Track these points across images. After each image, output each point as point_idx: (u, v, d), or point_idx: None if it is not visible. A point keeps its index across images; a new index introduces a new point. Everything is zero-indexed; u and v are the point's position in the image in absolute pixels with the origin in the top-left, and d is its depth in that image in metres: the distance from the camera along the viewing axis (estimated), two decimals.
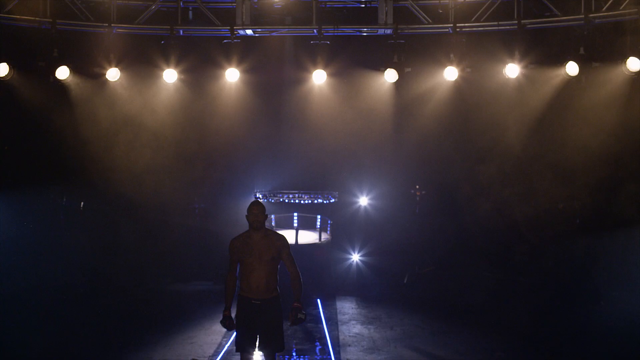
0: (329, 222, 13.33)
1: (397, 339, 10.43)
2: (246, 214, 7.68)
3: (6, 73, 10.20)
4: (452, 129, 13.08)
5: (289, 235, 11.93)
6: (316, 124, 12.97)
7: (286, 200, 13.63)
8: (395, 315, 11.72)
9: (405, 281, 13.82)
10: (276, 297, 7.63)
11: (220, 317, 7.63)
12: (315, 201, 13.53)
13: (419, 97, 12.13)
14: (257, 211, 7.57)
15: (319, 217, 13.33)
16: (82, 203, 13.80)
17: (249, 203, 7.68)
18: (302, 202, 13.54)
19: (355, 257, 13.76)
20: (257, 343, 7.61)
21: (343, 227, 13.83)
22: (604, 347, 9.80)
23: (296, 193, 13.61)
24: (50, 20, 10.61)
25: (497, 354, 9.63)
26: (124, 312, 11.83)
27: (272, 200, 13.48)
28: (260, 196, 13.71)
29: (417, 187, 14.47)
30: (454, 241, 13.90)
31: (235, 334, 7.70)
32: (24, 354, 9.47)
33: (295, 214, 13.45)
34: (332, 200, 13.45)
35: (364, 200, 14.37)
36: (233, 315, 7.65)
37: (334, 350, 9.81)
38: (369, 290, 13.20)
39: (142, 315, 11.74)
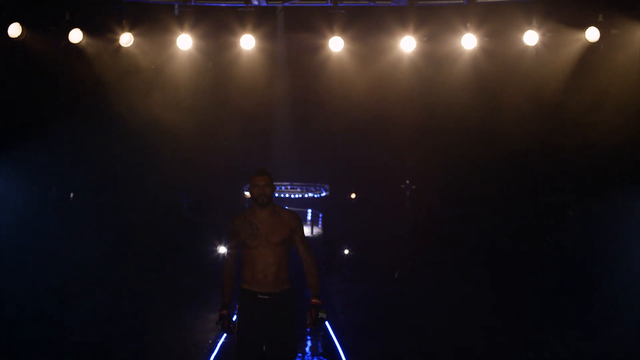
0: (320, 215, 13.18)
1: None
2: (248, 186, 6.25)
3: (19, 34, 10.00)
4: (467, 109, 12.83)
5: None
6: (323, 100, 12.76)
7: (276, 195, 13.46)
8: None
9: (396, 276, 13.89)
10: (288, 291, 6.11)
11: (217, 317, 6.14)
12: (307, 195, 13.40)
13: (436, 67, 11.89)
14: (262, 182, 6.08)
15: (309, 211, 13.19)
16: (71, 194, 13.44)
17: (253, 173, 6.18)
18: (292, 196, 13.39)
19: (345, 251, 13.68)
20: (263, 349, 6.02)
21: (334, 220, 13.76)
22: None
23: (288, 185, 13.48)
24: None
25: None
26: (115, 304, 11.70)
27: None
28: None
29: (407, 182, 14.31)
30: (448, 236, 13.75)
31: (235, 338, 6.08)
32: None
33: (286, 208, 13.29)
34: (324, 194, 13.32)
35: (354, 195, 14.31)
36: (234, 318, 6.18)
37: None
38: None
39: (134, 307, 11.63)
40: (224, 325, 6.07)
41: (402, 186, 14.50)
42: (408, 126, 13.56)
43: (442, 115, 12.76)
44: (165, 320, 10.82)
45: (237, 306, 6.10)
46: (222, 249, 14.37)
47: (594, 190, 12.31)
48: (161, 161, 13.42)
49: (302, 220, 6.40)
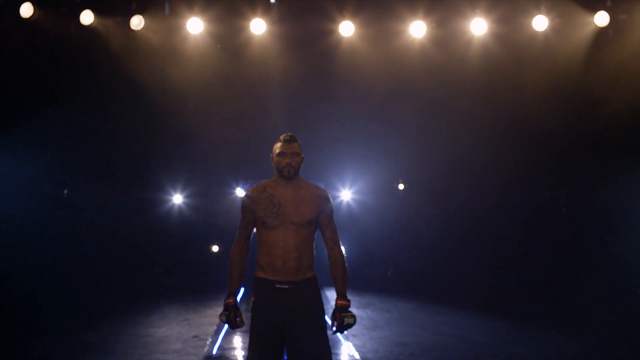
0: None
1: (396, 320, 10.35)
2: (271, 155, 5.25)
3: (31, 13, 9.94)
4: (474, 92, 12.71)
5: None
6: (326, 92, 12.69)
7: None
8: (388, 301, 11.81)
9: (389, 274, 13.82)
10: (312, 280, 5.17)
11: (221, 309, 5.16)
12: None
13: (446, 52, 11.86)
14: (289, 149, 5.14)
15: None
16: (65, 190, 13.23)
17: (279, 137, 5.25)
18: None
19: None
20: (284, 352, 5.03)
21: None
22: None
23: None
24: None
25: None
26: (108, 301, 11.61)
27: None
28: (242, 189, 13.43)
29: (400, 180, 14.24)
30: (440, 233, 13.67)
31: (248, 337, 5.09)
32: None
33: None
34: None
35: (346, 194, 14.23)
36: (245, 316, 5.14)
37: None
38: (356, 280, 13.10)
39: (129, 301, 11.54)
40: (230, 317, 5.06)
41: (394, 185, 14.36)
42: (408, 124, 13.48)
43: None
44: (159, 314, 10.65)
45: (251, 299, 5.14)
46: (215, 248, 14.12)
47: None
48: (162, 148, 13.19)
49: (331, 199, 5.37)
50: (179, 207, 14.07)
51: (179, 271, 13.77)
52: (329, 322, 5.17)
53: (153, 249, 13.53)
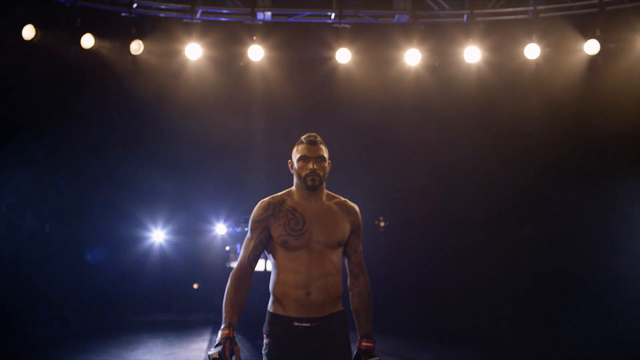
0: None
1: (381, 352, 10.20)
2: (290, 161, 4.40)
3: (33, 35, 10.01)
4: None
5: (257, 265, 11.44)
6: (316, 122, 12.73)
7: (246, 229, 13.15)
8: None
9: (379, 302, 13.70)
10: (340, 315, 4.29)
11: (215, 342, 4.01)
12: None
13: (441, 80, 12.05)
14: (313, 152, 4.27)
15: None
16: (47, 226, 12.69)
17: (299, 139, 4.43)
18: None
19: None
20: None
21: None
22: None
23: None
24: None
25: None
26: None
27: (238, 230, 13.11)
28: (225, 226, 13.26)
29: (381, 218, 14.22)
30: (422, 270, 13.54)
31: None
32: None
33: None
34: None
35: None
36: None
37: None
38: None
39: (110, 335, 11.23)
40: (224, 352, 3.90)
41: (375, 222, 14.22)
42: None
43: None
44: (143, 349, 10.42)
45: (264, 341, 4.26)
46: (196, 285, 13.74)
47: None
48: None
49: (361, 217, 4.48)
50: (160, 244, 13.79)
51: (160, 308, 13.45)
52: None
53: (133, 285, 13.18)
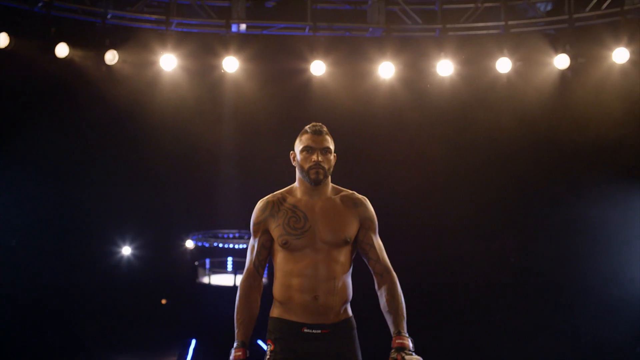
0: (267, 265, 12.90)
1: None
2: (292, 152, 4.05)
3: (7, 43, 9.90)
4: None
5: (226, 280, 11.23)
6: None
7: (220, 245, 13.09)
8: None
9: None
10: (349, 323, 3.96)
11: None
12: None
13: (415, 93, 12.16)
14: (318, 143, 3.95)
15: None
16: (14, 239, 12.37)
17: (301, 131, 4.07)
18: (237, 246, 13.05)
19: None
20: None
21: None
22: None
23: (236, 233, 13.09)
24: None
25: None
26: None
27: (207, 245, 13.06)
28: (192, 242, 13.17)
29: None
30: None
31: None
32: None
33: (230, 258, 12.97)
34: None
35: None
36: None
37: None
38: None
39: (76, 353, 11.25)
40: None
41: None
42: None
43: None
44: None
45: (268, 348, 3.90)
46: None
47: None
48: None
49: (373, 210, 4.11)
50: (128, 258, 13.62)
51: (127, 324, 13.24)
52: None
53: (100, 301, 12.97)
